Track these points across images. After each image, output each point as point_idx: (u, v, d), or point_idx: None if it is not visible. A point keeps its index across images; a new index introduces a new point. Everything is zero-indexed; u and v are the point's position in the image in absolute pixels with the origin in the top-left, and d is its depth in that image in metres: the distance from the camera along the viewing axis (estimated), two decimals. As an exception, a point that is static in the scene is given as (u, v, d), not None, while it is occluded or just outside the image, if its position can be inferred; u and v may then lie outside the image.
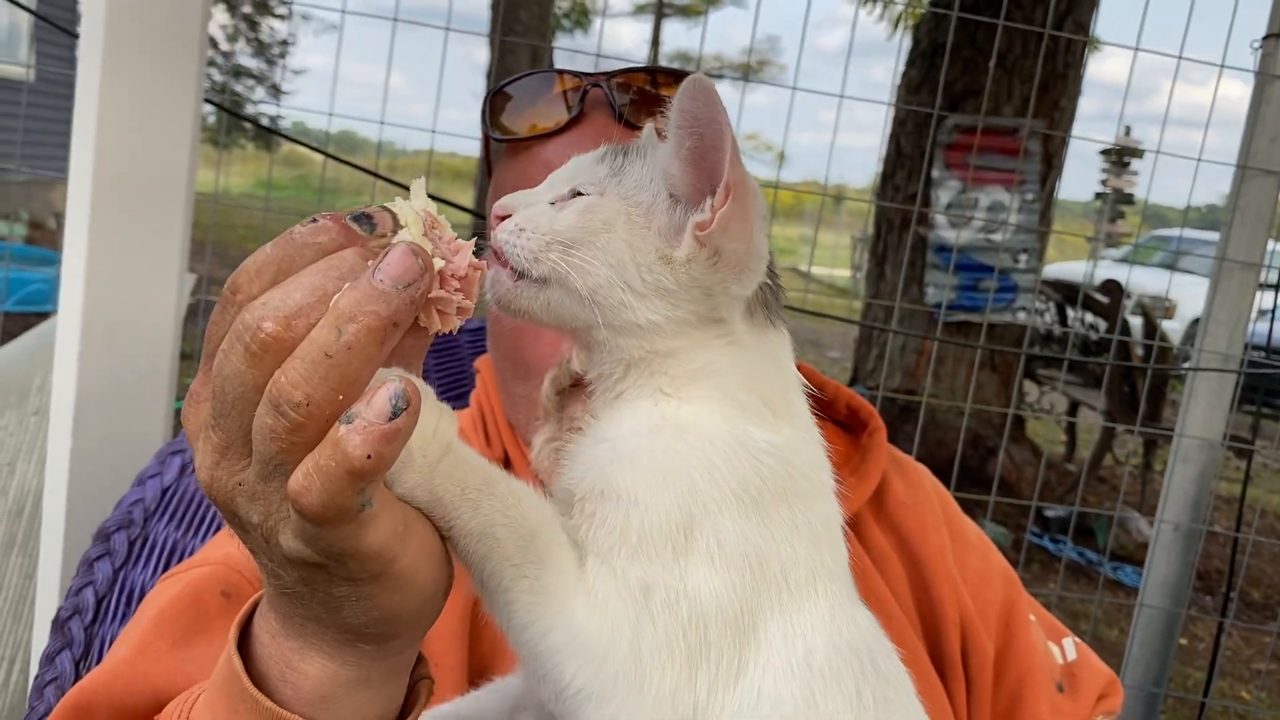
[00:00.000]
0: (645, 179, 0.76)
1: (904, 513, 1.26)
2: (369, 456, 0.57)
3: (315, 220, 0.64)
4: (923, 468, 1.36)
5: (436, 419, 0.67)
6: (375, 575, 0.64)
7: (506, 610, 0.70)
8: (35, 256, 8.47)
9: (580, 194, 0.77)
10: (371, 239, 0.64)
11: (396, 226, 0.65)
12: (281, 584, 0.67)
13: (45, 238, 10.18)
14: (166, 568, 1.25)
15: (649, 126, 0.80)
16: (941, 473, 1.44)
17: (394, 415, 0.58)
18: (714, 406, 0.74)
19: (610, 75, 1.19)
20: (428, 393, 0.67)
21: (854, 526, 1.22)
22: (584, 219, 0.74)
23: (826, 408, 1.31)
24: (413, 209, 0.66)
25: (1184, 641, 5.05)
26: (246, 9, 20.85)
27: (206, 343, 0.64)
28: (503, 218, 0.77)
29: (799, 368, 0.81)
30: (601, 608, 0.69)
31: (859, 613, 0.77)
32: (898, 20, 10.78)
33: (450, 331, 0.67)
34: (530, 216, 0.76)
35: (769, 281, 0.77)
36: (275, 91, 22.04)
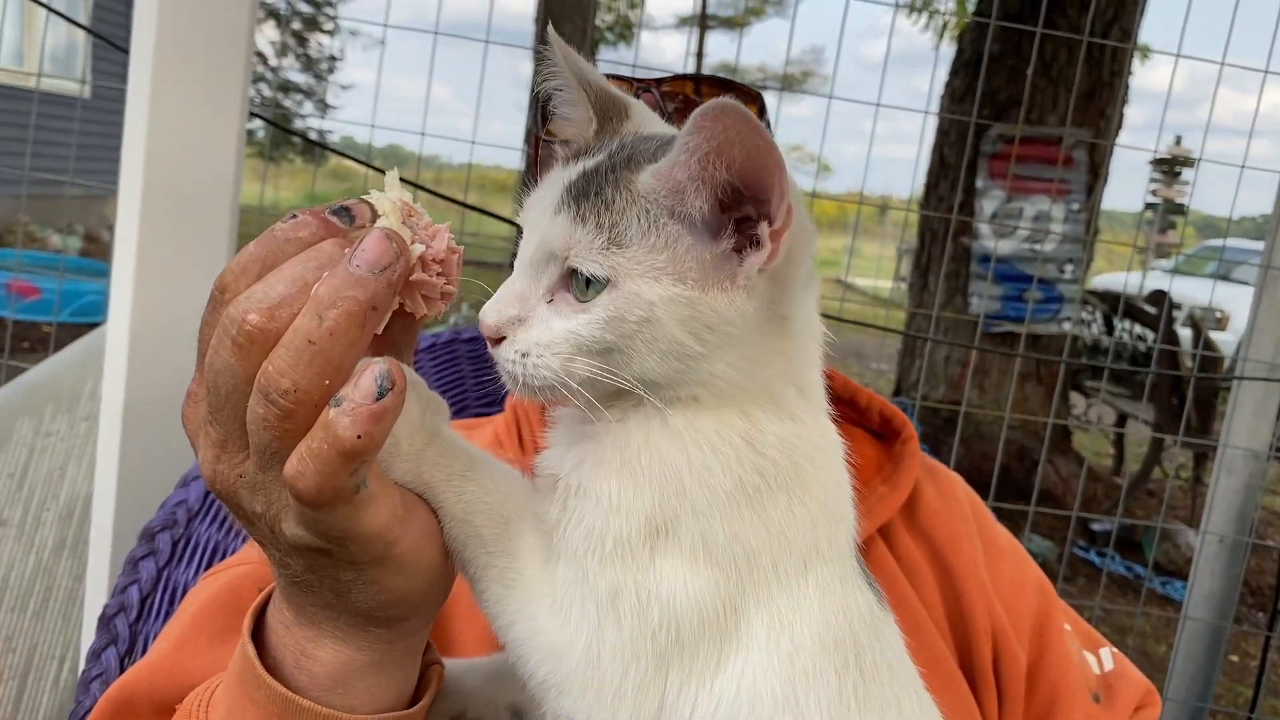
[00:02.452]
0: (649, 229, 0.68)
1: (936, 521, 1.25)
2: (359, 437, 0.59)
3: (295, 216, 0.66)
4: (956, 476, 1.35)
5: (423, 408, 0.69)
6: (378, 558, 0.66)
7: (480, 597, 0.71)
8: (90, 269, 8.60)
9: (576, 270, 0.68)
10: (351, 230, 0.65)
11: (375, 217, 0.66)
12: (291, 573, 0.69)
13: (99, 250, 10.35)
14: (209, 567, 1.27)
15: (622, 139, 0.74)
16: (985, 485, 1.42)
17: (380, 395, 0.59)
18: (732, 404, 0.70)
19: (660, 81, 1.19)
20: (417, 382, 0.68)
21: (886, 535, 1.22)
22: (612, 328, 0.67)
23: (860, 416, 1.31)
24: (389, 199, 0.68)
25: (1235, 658, 4.94)
26: (295, 25, 21.19)
27: (199, 343, 0.66)
28: (496, 340, 0.70)
29: (832, 377, 0.80)
30: (564, 611, 0.68)
31: (851, 596, 0.72)
32: (942, 30, 10.71)
33: (437, 315, 0.69)
34: (534, 339, 0.69)
35: None
36: (323, 106, 22.36)
